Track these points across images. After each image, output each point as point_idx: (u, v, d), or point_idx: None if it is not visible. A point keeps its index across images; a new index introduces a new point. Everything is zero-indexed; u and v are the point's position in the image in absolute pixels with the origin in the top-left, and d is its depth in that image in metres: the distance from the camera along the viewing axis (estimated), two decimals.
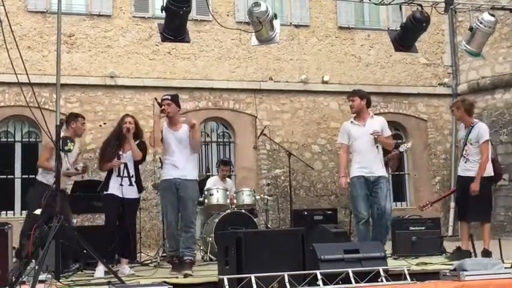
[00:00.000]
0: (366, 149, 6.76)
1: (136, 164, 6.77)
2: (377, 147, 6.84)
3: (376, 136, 6.78)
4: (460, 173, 7.25)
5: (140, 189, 6.82)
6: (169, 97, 6.64)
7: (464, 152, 7.14)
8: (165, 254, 7.79)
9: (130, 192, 6.62)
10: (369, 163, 6.75)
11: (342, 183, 6.82)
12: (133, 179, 6.64)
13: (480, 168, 6.94)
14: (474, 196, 6.92)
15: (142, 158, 6.81)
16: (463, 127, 7.34)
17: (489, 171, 7.08)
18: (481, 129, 7.08)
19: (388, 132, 7.11)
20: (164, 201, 6.58)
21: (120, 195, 6.50)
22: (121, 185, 6.52)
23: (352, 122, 7.02)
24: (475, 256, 6.90)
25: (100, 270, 6.22)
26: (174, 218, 6.48)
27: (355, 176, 6.75)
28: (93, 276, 6.22)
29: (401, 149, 8.16)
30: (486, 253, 6.91)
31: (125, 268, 6.47)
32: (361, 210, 6.71)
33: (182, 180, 6.44)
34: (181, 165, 6.47)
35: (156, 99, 6.74)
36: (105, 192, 6.62)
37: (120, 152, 6.64)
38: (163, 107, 6.49)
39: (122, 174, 6.57)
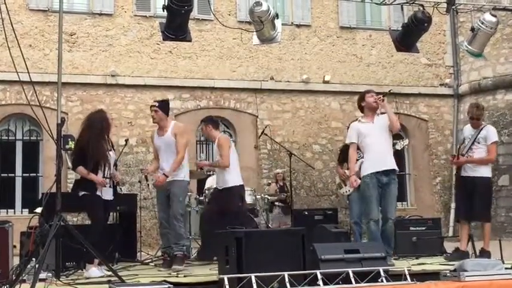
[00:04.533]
0: (378, 143, 6.71)
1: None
2: (389, 141, 6.86)
3: (380, 100, 6.82)
4: (464, 173, 7.27)
5: (116, 190, 6.64)
6: (157, 104, 6.81)
7: (470, 151, 7.24)
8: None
9: (109, 195, 6.47)
10: (380, 155, 6.66)
11: (352, 182, 6.74)
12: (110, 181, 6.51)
13: (484, 159, 7.14)
14: (480, 196, 7.06)
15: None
16: (468, 128, 7.41)
17: (488, 172, 7.24)
18: (490, 130, 7.27)
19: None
20: (157, 202, 7.01)
21: (102, 197, 6.32)
22: (105, 186, 6.33)
23: (359, 121, 7.01)
24: (476, 257, 6.90)
25: (94, 270, 6.08)
26: (162, 216, 6.75)
27: (368, 175, 6.63)
28: (90, 275, 6.09)
29: (397, 146, 8.02)
30: (484, 253, 6.97)
31: (92, 269, 6.11)
32: (373, 210, 6.64)
33: (171, 181, 6.64)
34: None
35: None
36: (84, 193, 6.30)
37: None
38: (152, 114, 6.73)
39: (107, 176, 6.36)
